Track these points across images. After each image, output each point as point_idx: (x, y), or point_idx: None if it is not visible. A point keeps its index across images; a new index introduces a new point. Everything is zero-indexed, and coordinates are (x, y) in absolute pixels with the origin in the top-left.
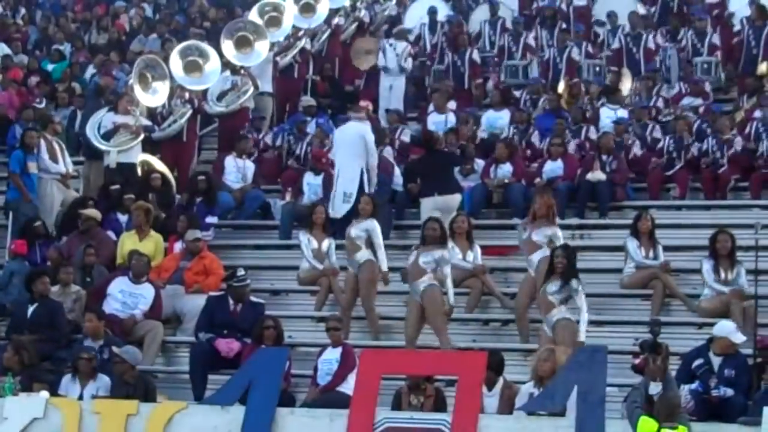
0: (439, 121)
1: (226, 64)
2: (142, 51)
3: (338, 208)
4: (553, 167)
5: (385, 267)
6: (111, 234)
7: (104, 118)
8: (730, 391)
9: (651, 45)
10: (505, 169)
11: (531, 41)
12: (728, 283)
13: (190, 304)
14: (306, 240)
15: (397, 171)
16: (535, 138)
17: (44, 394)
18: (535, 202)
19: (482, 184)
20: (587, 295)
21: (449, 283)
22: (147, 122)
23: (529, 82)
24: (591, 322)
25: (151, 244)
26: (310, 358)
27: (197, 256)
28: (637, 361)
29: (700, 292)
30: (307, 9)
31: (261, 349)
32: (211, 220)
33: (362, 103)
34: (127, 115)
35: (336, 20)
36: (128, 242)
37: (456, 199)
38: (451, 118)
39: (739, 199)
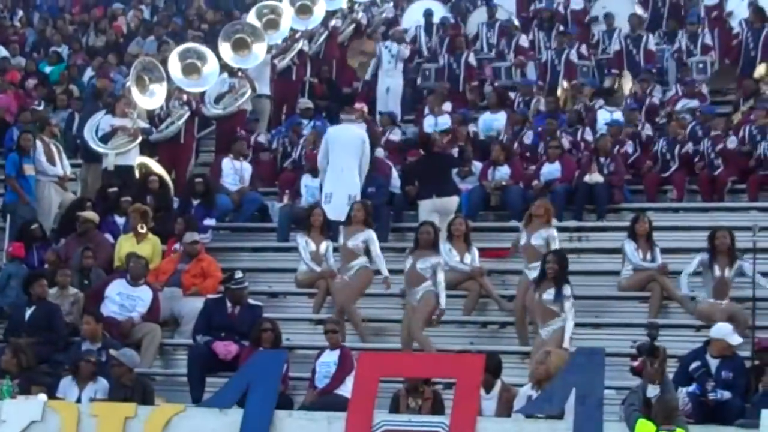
0: (433, 124)
1: (223, 67)
2: (140, 53)
3: (340, 210)
4: (551, 169)
5: (385, 272)
6: (108, 237)
7: (102, 120)
8: (727, 394)
9: (651, 47)
10: (503, 172)
11: (524, 43)
12: (724, 279)
13: (187, 306)
14: (304, 242)
15: (395, 173)
16: (527, 138)
17: (42, 396)
18: (533, 205)
19: (480, 186)
20: (585, 298)
21: (442, 287)
22: (144, 125)
23: (520, 83)
24: (589, 325)
25: (149, 246)
26: (308, 361)
27: (195, 259)
28: (635, 363)
29: (698, 294)
30: (304, 11)
31: (259, 351)
32: (209, 222)
33: (357, 105)
34: (125, 118)
35: (333, 22)
36: (126, 245)
37: (454, 201)
38: (446, 120)
39: (736, 201)
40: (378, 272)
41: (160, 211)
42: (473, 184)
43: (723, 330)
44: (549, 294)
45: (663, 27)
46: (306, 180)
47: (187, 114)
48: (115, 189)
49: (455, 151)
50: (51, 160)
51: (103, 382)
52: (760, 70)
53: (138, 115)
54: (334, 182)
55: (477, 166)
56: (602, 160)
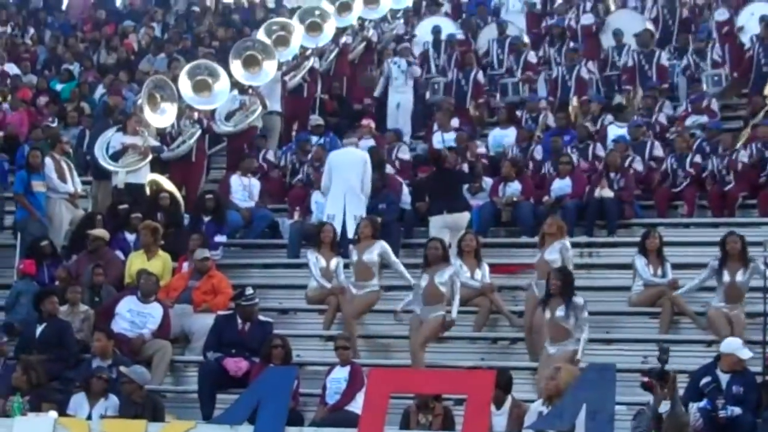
0: (442, 140)
1: (234, 84)
2: (151, 71)
3: (349, 230)
4: (562, 185)
5: (408, 277)
6: (119, 254)
7: (113, 138)
8: (737, 410)
9: (664, 62)
10: (514, 188)
11: (533, 59)
12: (736, 285)
13: (198, 323)
14: (314, 259)
15: (406, 189)
16: (537, 154)
17: (53, 413)
18: (545, 223)
19: (491, 202)
20: (596, 313)
21: (457, 298)
22: (155, 143)
23: (527, 99)
24: (599, 341)
25: (159, 263)
26: (318, 377)
27: (206, 276)
28: (645, 379)
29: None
30: (315, 28)
31: (269, 368)
32: (220, 239)
33: (364, 122)
34: (136, 136)
35: (343, 39)
36: (136, 262)
37: (465, 217)
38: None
39: (747, 216)
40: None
41: (171, 227)
42: (484, 200)
43: (733, 344)
44: (561, 311)
45: (673, 42)
46: (316, 197)
47: (198, 132)
48: (125, 206)
49: (465, 167)
50: (62, 178)
51: (113, 399)
52: None
53: (149, 134)
54: (336, 205)
55: (488, 182)
56: (612, 175)
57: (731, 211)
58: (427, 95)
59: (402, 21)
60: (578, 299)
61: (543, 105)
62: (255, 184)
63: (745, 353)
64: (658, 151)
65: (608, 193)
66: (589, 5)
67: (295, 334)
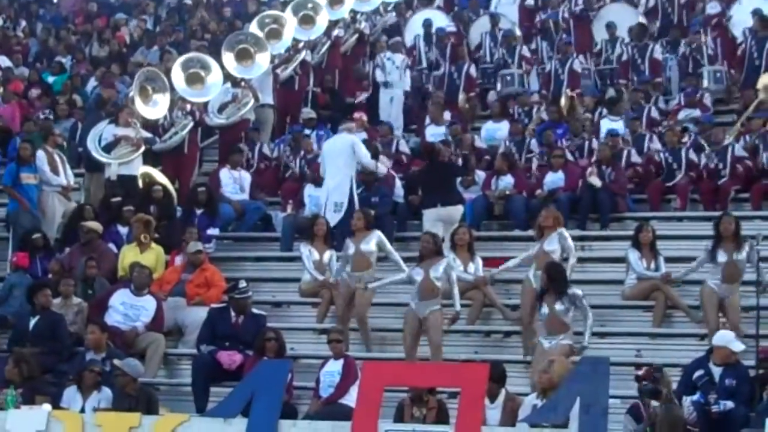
0: (437, 133)
1: (226, 77)
2: (143, 63)
3: (329, 218)
4: (554, 178)
5: (404, 267)
6: (112, 246)
7: (105, 130)
8: (730, 404)
9: (657, 56)
10: (506, 181)
11: (526, 52)
12: (734, 263)
13: (191, 316)
14: (307, 252)
15: (399, 183)
16: (534, 147)
17: (46, 406)
18: (540, 216)
19: (483, 195)
20: (589, 307)
21: (456, 290)
22: (148, 134)
23: (519, 92)
24: (593, 334)
25: (152, 256)
26: (312, 370)
27: (199, 269)
28: (639, 372)
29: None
30: (307, 21)
31: (263, 361)
32: (213, 231)
33: (356, 115)
34: (128, 128)
35: (336, 32)
36: (129, 254)
37: (458, 210)
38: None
39: (739, 210)
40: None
41: (163, 220)
42: (476, 194)
43: (725, 337)
44: (560, 305)
45: (667, 36)
46: (309, 190)
47: (191, 124)
48: (118, 199)
49: (459, 160)
50: (54, 170)
51: (106, 392)
52: (763, 80)
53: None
54: (325, 192)
55: (480, 175)
56: (603, 168)
57: (724, 204)
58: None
59: (394, 14)
60: (575, 290)
61: (536, 99)
62: (245, 176)
63: (738, 346)
64: (656, 145)
65: (596, 181)
66: None
67: (289, 327)
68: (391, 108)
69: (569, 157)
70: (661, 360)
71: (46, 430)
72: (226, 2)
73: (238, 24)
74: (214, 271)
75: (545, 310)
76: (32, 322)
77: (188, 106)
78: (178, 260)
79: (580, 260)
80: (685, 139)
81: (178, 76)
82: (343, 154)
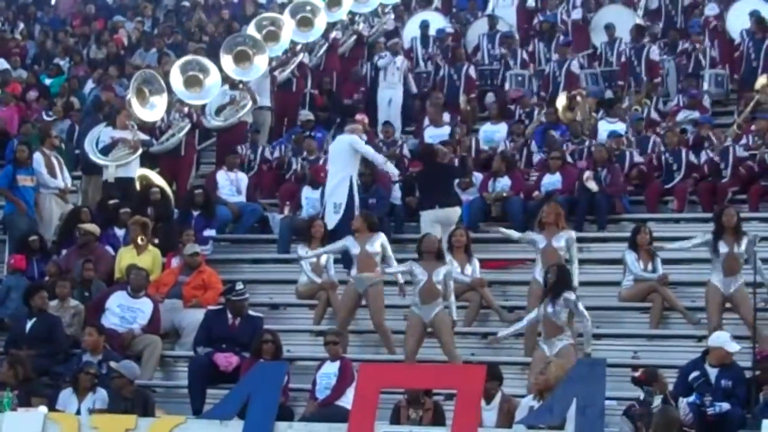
0: (435, 135)
1: (224, 79)
2: (141, 65)
3: (329, 219)
4: (552, 180)
5: (401, 279)
6: (109, 249)
7: (102, 132)
8: (726, 406)
9: (654, 57)
10: (504, 183)
11: (525, 55)
12: (734, 255)
13: (188, 318)
14: (304, 254)
15: (396, 184)
16: (533, 149)
17: (43, 409)
18: (542, 211)
19: (480, 197)
20: (586, 308)
21: (453, 297)
22: (145, 137)
23: (526, 94)
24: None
25: (149, 258)
26: (308, 372)
27: (196, 271)
28: (636, 374)
29: (700, 304)
30: (305, 23)
31: (259, 363)
32: (209, 233)
33: (358, 117)
34: (125, 130)
35: (333, 34)
36: (126, 257)
37: (456, 212)
38: (447, 131)
39: (738, 211)
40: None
41: (160, 222)
42: (474, 196)
43: (721, 338)
44: (550, 307)
45: (665, 37)
46: (306, 192)
47: (188, 126)
48: (115, 201)
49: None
50: (52, 173)
51: (102, 392)
52: (761, 81)
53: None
54: (326, 192)
55: (477, 177)
56: (599, 170)
57: (722, 205)
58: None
59: (392, 16)
60: (568, 294)
61: (534, 101)
62: (242, 178)
63: (733, 346)
64: (660, 147)
65: (593, 186)
66: (579, 0)
67: (285, 329)
68: (390, 109)
69: (568, 159)
70: (658, 361)
71: None
72: (224, 4)
73: (235, 26)
74: (211, 273)
75: (543, 310)
76: (29, 324)
77: (185, 109)
78: (175, 262)
79: (578, 262)
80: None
81: (176, 78)
82: (343, 154)
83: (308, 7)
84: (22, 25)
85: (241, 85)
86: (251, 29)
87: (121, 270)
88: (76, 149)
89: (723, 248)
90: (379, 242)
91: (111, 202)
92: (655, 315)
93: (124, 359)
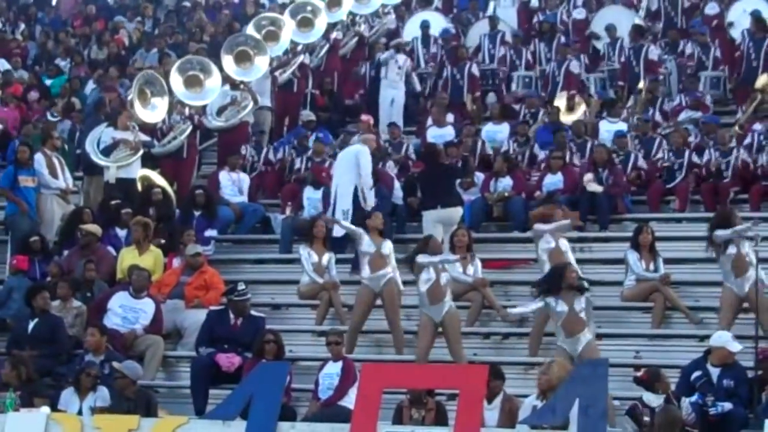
0: (438, 135)
1: (225, 79)
2: (142, 66)
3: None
4: (554, 180)
5: (401, 286)
6: (110, 249)
7: (103, 133)
8: (728, 406)
9: (653, 57)
10: (505, 183)
11: (530, 56)
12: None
13: (190, 318)
14: (306, 254)
15: (397, 184)
16: (536, 150)
17: (45, 409)
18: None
19: (482, 197)
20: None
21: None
22: (146, 138)
23: (527, 95)
24: None
25: (151, 258)
26: (310, 373)
27: (198, 271)
28: (638, 374)
29: (701, 304)
30: (306, 23)
31: (262, 363)
32: (211, 233)
33: (363, 117)
34: (126, 131)
35: (334, 34)
36: (128, 257)
37: (458, 212)
38: (450, 131)
39: (739, 211)
40: None
41: (162, 222)
42: (475, 195)
43: (723, 338)
44: (580, 303)
45: (666, 37)
46: (308, 192)
47: (189, 129)
48: (117, 201)
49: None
50: (53, 173)
51: (103, 391)
52: (762, 80)
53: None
54: (332, 197)
55: (479, 177)
56: (599, 170)
57: (723, 205)
58: (426, 89)
59: (393, 16)
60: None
61: (539, 102)
62: (244, 179)
63: (735, 346)
64: (665, 147)
65: (596, 188)
66: (580, 0)
67: (288, 330)
68: (392, 109)
69: (575, 160)
70: (660, 361)
71: None
72: (224, 4)
73: (235, 26)
74: (213, 274)
75: (564, 308)
76: (31, 325)
77: (186, 111)
78: (176, 263)
79: (580, 261)
80: (690, 138)
81: (176, 79)
82: (346, 164)
83: (309, 8)
84: (23, 26)
85: (242, 86)
86: (250, 29)
87: (122, 270)
88: (78, 150)
89: (731, 249)
90: (389, 247)
91: (113, 202)
92: (657, 315)
93: (126, 360)
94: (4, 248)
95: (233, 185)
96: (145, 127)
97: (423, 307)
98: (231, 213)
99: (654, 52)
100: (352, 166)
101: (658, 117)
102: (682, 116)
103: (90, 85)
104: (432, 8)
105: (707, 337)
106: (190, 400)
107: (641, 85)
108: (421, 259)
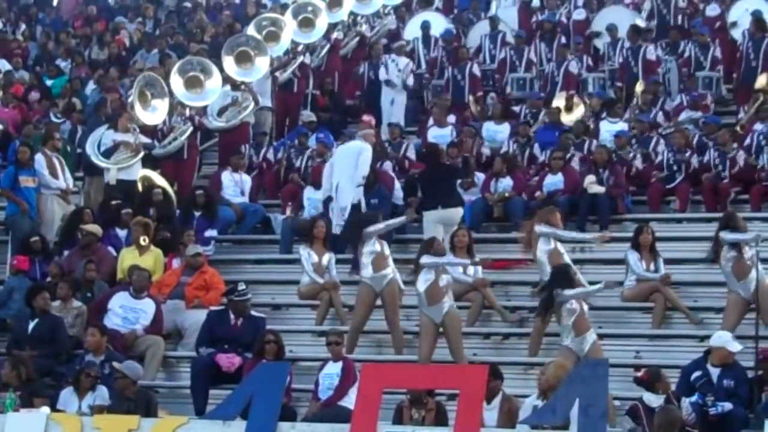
0: (438, 135)
1: (226, 80)
2: (143, 67)
3: (338, 223)
4: (554, 181)
5: (401, 284)
6: (111, 250)
7: (104, 135)
8: (728, 406)
9: (651, 57)
10: (506, 183)
11: (533, 56)
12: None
13: (190, 318)
14: (306, 254)
15: (398, 185)
16: (536, 151)
17: (45, 409)
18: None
19: (482, 197)
20: (589, 308)
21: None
22: (147, 140)
23: (528, 96)
24: None
25: (151, 259)
26: (311, 373)
27: (198, 271)
28: (639, 374)
29: (702, 304)
30: (307, 24)
31: (262, 363)
32: (211, 233)
33: (365, 118)
34: (127, 133)
35: (335, 34)
36: (128, 257)
37: (459, 212)
38: (451, 132)
39: (739, 211)
40: None
41: (162, 223)
42: (475, 196)
43: (723, 338)
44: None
45: (667, 37)
46: (309, 192)
47: (190, 130)
48: (117, 202)
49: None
50: (53, 173)
51: (102, 390)
52: (761, 81)
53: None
54: (334, 196)
55: (479, 177)
56: (600, 171)
57: (723, 206)
58: (429, 96)
59: (394, 17)
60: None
61: (538, 102)
62: (246, 179)
63: (735, 346)
64: (662, 147)
65: (598, 189)
66: (581, 0)
67: (288, 330)
68: (392, 109)
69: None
70: (661, 361)
71: None
72: (225, 5)
73: (236, 27)
74: (213, 274)
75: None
76: (31, 325)
77: (187, 111)
78: (175, 263)
79: (580, 262)
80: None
81: (176, 80)
82: (347, 161)
83: (309, 8)
84: (23, 27)
85: (242, 86)
86: (251, 30)
87: (123, 271)
88: (78, 150)
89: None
90: (387, 246)
91: (113, 202)
92: (658, 315)
93: (126, 360)
94: (5, 248)
95: (235, 186)
96: (146, 129)
97: (422, 307)
98: (232, 213)
99: (652, 52)
100: (353, 164)
101: (660, 117)
102: (683, 116)
103: (90, 86)
104: (432, 9)
105: (707, 337)
106: (190, 401)
107: (639, 85)
108: (425, 260)
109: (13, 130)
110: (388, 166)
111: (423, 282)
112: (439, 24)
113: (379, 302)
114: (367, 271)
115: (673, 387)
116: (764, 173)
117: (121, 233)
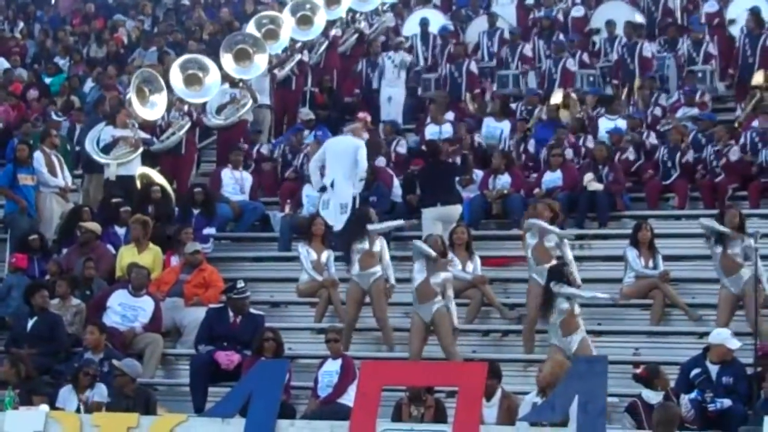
0: (436, 132)
1: (224, 77)
2: (141, 64)
3: (335, 220)
4: (553, 177)
5: (393, 281)
6: (110, 247)
7: (103, 131)
8: (727, 402)
9: (647, 53)
10: (504, 180)
11: (528, 52)
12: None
13: (189, 316)
14: (305, 252)
15: (396, 182)
16: (531, 147)
17: (44, 407)
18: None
19: (481, 194)
20: (587, 305)
21: (453, 305)
22: (145, 135)
23: (525, 92)
24: (591, 332)
25: (150, 256)
26: (310, 370)
27: (197, 269)
28: (637, 371)
29: (700, 301)
30: (305, 21)
31: (261, 361)
32: (209, 231)
33: (360, 115)
34: (126, 129)
35: (333, 32)
36: (127, 255)
37: (457, 209)
38: (448, 129)
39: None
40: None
41: (161, 220)
42: (474, 193)
43: (722, 335)
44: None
45: (658, 33)
46: (307, 190)
47: (188, 125)
48: (119, 199)
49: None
50: (52, 171)
51: (101, 387)
52: (758, 78)
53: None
54: (329, 192)
55: (478, 174)
56: (599, 167)
57: (722, 203)
58: (419, 92)
59: (392, 14)
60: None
61: (535, 99)
62: (246, 177)
63: (734, 343)
64: (653, 141)
65: (597, 186)
66: None
67: (287, 327)
68: (390, 107)
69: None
70: (659, 358)
71: (44, 431)
72: (223, 2)
73: (235, 25)
74: (212, 272)
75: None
76: (30, 323)
77: (185, 107)
78: (174, 261)
79: (579, 259)
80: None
81: (176, 77)
82: (349, 156)
83: (308, 6)
84: (21, 24)
85: (241, 84)
86: (251, 27)
87: (122, 268)
88: (77, 148)
89: (718, 248)
90: (380, 244)
91: (112, 200)
92: (657, 312)
93: (125, 357)
94: (4, 246)
95: (235, 183)
96: (145, 125)
97: (414, 305)
98: (229, 210)
99: (648, 48)
100: (348, 160)
101: (658, 112)
102: (680, 113)
103: (89, 84)
104: (431, 6)
105: (706, 334)
106: (189, 398)
107: (637, 82)
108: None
109: (11, 128)
110: (381, 161)
111: (415, 280)
112: (438, 21)
113: (368, 299)
114: (354, 269)
115: (672, 384)
116: (762, 169)
117: (120, 231)
